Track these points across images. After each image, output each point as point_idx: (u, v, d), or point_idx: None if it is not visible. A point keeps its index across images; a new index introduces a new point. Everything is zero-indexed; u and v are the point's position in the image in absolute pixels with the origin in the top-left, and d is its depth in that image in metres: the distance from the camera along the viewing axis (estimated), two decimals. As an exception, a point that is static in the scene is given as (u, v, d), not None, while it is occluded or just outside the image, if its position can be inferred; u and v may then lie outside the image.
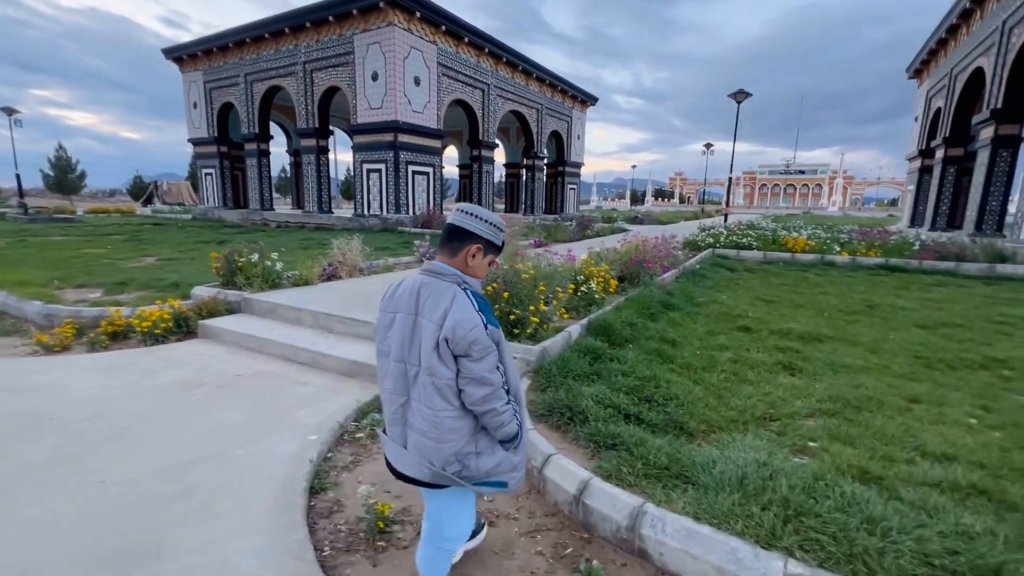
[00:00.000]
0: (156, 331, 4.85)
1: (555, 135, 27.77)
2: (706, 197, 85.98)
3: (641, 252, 6.66)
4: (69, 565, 1.94)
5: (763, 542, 1.89)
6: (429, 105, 17.99)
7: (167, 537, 2.11)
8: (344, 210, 27.63)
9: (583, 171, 31.63)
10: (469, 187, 24.60)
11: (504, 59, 21.23)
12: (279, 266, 6.06)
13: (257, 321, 5.15)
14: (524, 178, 27.08)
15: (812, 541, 1.86)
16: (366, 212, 18.47)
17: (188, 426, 3.14)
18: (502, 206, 31.40)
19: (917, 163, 23.00)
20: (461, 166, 27.51)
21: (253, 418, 3.28)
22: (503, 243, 1.68)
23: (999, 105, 14.23)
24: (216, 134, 22.90)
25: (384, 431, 1.71)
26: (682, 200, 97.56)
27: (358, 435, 3.22)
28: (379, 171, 17.77)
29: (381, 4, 15.84)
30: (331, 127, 21.92)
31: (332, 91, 18.64)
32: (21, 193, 26.45)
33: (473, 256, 1.59)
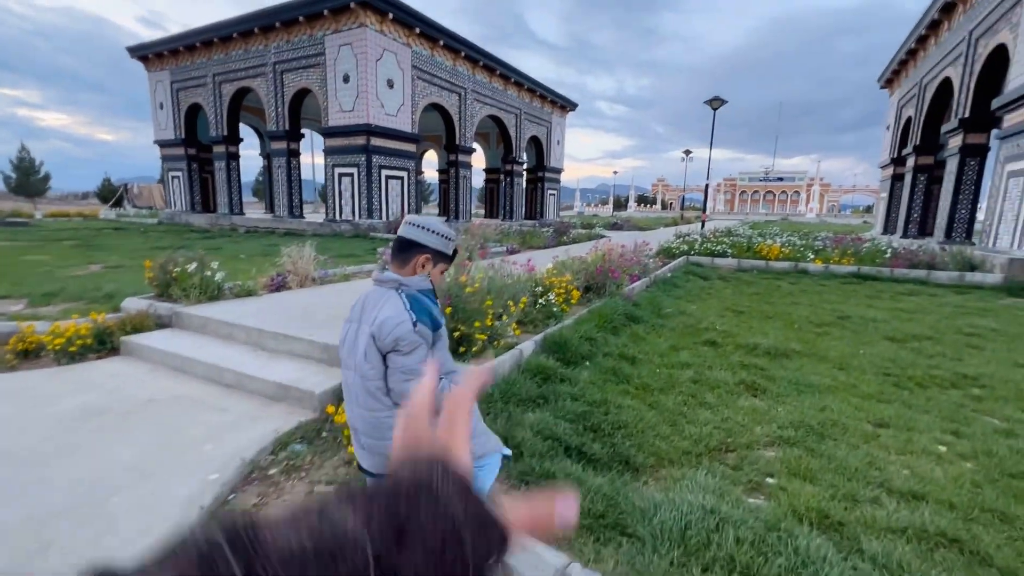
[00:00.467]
0: (71, 349, 4.40)
1: (534, 140, 27.61)
2: (687, 203, 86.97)
3: (607, 261, 6.39)
4: None
5: (699, 620, 1.59)
6: (403, 108, 17.62)
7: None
8: (318, 215, 27.05)
9: (566, 177, 31.61)
10: (447, 192, 24.26)
11: (481, 63, 20.99)
12: (219, 276, 5.64)
13: (188, 337, 4.73)
14: (504, 183, 26.83)
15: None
16: (338, 217, 17.98)
17: (70, 465, 2.74)
18: (482, 211, 31.09)
19: (889, 171, 23.36)
20: (440, 171, 27.17)
21: (151, 453, 2.89)
22: (455, 251, 1.74)
23: (967, 115, 14.43)
24: (183, 136, 22.17)
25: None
26: (664, 206, 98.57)
27: (271, 471, 2.86)
28: (351, 175, 17.31)
29: (352, 5, 15.47)
30: (305, 130, 21.41)
31: (303, 93, 18.16)
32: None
33: (423, 266, 1.67)
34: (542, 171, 28.97)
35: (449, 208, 22.65)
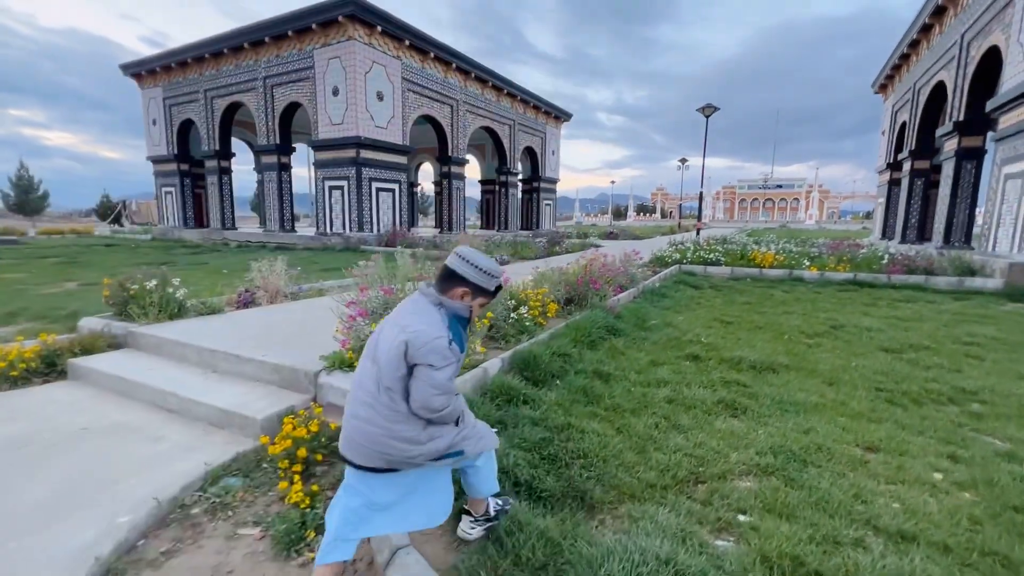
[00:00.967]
0: (13, 373, 4.15)
1: (529, 151, 27.55)
2: (687, 212, 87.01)
3: (589, 272, 6.14)
4: None
5: None
6: (394, 120, 17.53)
7: None
8: (309, 228, 26.95)
9: (566, 187, 31.59)
10: (440, 203, 24.13)
11: (473, 75, 20.97)
12: (181, 293, 5.40)
13: (140, 358, 4.48)
14: (499, 194, 26.71)
15: None
16: (328, 230, 17.81)
17: (-32, 508, 2.47)
18: (478, 223, 30.94)
19: (886, 176, 23.17)
20: (436, 182, 27.08)
21: (64, 491, 2.62)
22: (498, 288, 1.79)
23: (961, 118, 14.25)
24: (176, 151, 22.14)
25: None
26: (664, 215, 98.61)
27: (194, 510, 2.59)
28: (341, 188, 17.18)
29: (340, 18, 15.44)
30: (296, 144, 21.34)
31: (294, 107, 18.11)
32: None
33: (462, 298, 1.73)
34: (537, 181, 28.87)
35: (443, 219, 22.51)
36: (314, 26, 16.10)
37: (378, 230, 17.60)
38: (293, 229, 20.18)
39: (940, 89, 16.50)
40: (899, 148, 21.53)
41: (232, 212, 22.08)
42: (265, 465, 3.00)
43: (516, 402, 3.28)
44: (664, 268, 10.81)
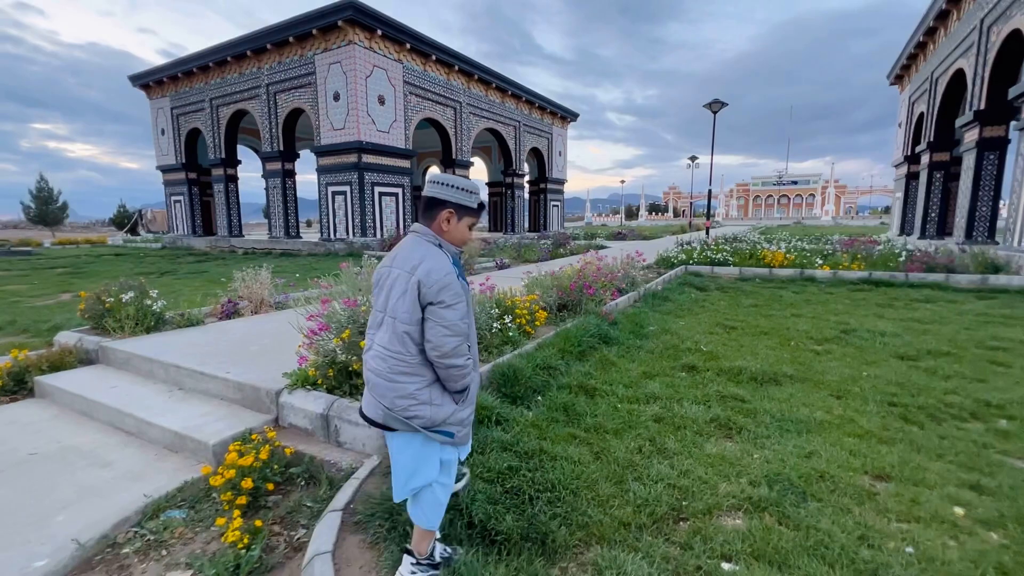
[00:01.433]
0: (-24, 392, 4.00)
1: (535, 152, 27.26)
2: (699, 210, 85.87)
3: (582, 276, 5.85)
4: None
5: None
6: (396, 124, 17.39)
7: None
8: (317, 234, 27.00)
9: (577, 187, 31.46)
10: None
11: (476, 76, 20.77)
12: (158, 305, 5.23)
13: (108, 375, 4.30)
14: (505, 196, 26.47)
15: None
16: (332, 236, 17.74)
17: None
18: (485, 225, 30.71)
19: (903, 170, 22.41)
20: (441, 186, 26.89)
21: (-10, 529, 2.42)
22: (480, 205, 1.76)
23: (982, 106, 13.62)
24: (184, 160, 22.31)
25: None
26: (676, 214, 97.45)
27: (125, 549, 2.37)
28: (344, 193, 17.08)
29: (340, 23, 15.35)
30: (302, 150, 21.35)
31: (297, 113, 18.09)
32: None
33: (447, 221, 1.71)
34: (544, 182, 28.56)
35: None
36: (314, 31, 16.03)
37: (381, 235, 17.46)
38: (298, 235, 20.17)
39: (959, 77, 15.84)
40: (916, 140, 20.79)
41: (239, 219, 22.17)
42: (214, 495, 2.77)
43: (488, 423, 3.01)
44: (669, 269, 10.46)
